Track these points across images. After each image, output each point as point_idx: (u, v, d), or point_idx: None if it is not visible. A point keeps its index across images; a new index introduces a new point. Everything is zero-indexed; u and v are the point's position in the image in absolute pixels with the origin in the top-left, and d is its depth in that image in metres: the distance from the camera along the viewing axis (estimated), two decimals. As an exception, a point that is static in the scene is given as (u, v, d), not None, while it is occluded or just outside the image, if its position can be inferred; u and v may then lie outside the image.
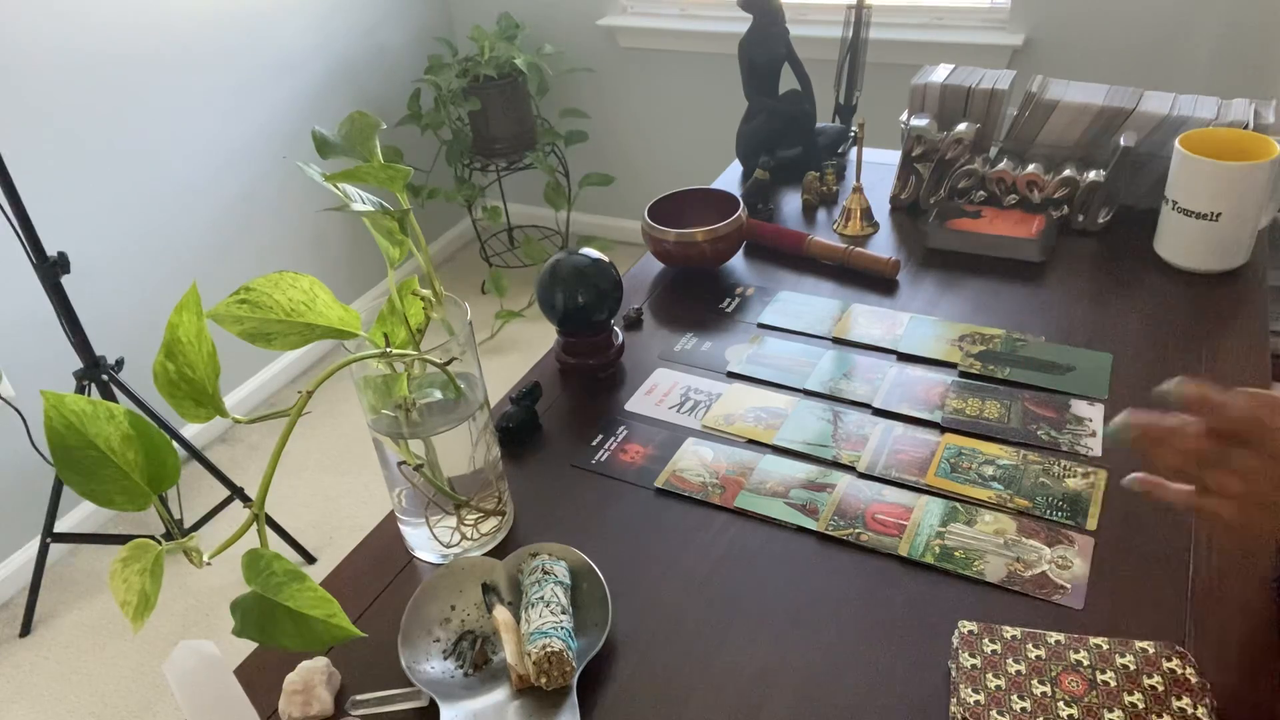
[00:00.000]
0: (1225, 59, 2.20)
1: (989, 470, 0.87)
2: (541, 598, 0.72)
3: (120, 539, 2.00)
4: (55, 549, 2.19)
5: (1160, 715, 0.63)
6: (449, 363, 0.73)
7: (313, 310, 0.68)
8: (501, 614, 0.73)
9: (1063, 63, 2.35)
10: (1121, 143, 1.18)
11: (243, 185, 2.50)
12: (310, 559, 2.14)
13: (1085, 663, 0.67)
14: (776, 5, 1.37)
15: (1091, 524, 0.80)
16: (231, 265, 2.53)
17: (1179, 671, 0.66)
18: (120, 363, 1.95)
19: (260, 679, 0.74)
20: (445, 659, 0.73)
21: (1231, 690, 0.66)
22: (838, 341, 1.07)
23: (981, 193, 1.27)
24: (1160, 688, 0.65)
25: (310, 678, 0.71)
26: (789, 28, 1.40)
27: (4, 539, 2.11)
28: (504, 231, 3.32)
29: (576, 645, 0.71)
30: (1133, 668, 0.66)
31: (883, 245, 1.25)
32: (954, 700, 0.66)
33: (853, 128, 1.51)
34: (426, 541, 0.82)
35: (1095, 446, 0.88)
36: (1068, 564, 0.77)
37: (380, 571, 0.83)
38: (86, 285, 2.16)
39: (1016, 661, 0.68)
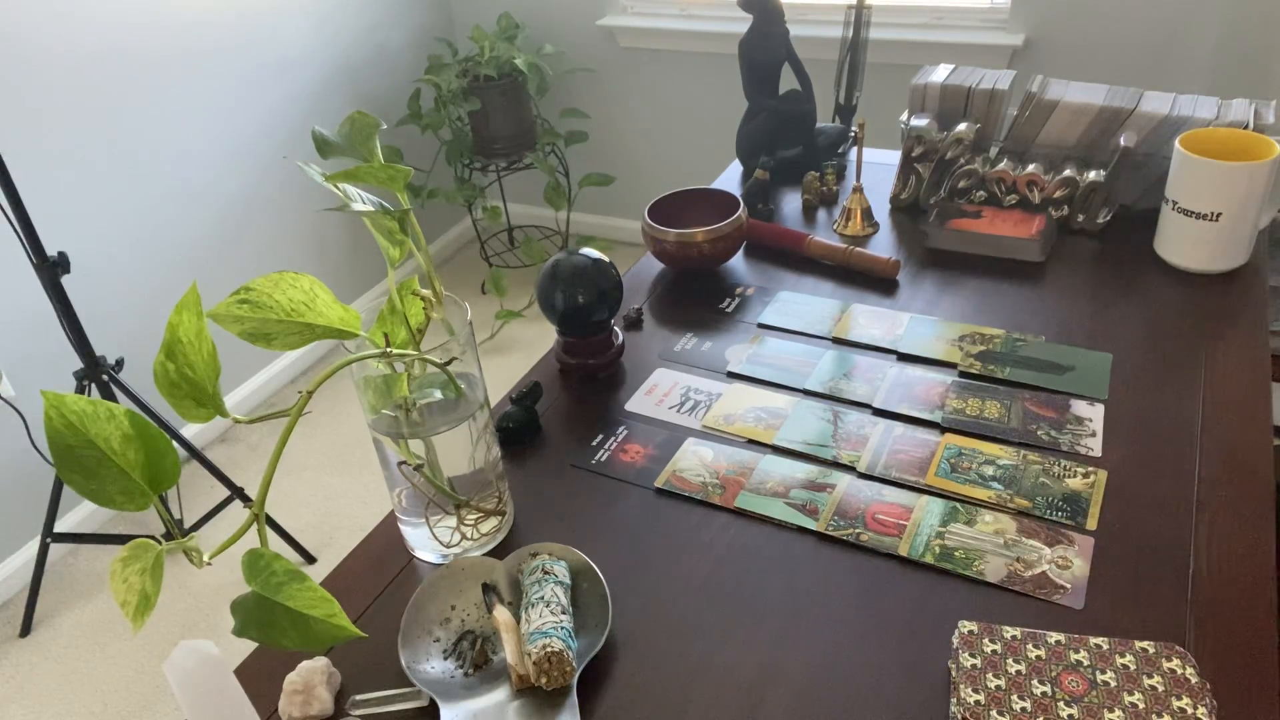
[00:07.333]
0: (1225, 59, 2.20)
1: (989, 470, 0.87)
2: (541, 598, 0.72)
3: (120, 539, 2.00)
4: (55, 549, 2.19)
5: (1160, 715, 0.63)
6: (449, 363, 0.73)
7: (313, 310, 0.68)
8: (501, 614, 0.73)
9: (1063, 63, 2.35)
10: (1121, 143, 1.18)
11: (243, 185, 2.50)
12: (310, 559, 2.14)
13: (1085, 663, 0.67)
14: (776, 5, 1.37)
15: (1091, 524, 0.80)
16: (231, 265, 2.53)
17: (1179, 671, 0.66)
18: (120, 363, 1.95)
19: (260, 679, 0.74)
20: (445, 659, 0.73)
21: (1231, 690, 0.66)
22: (838, 341, 1.07)
23: (981, 193, 1.27)
24: (1160, 688, 0.65)
25: (310, 678, 0.71)
26: (789, 28, 1.40)
27: (4, 539, 2.11)
28: (504, 231, 3.32)
29: (576, 645, 0.71)
30: (1133, 668, 0.66)
31: (883, 245, 1.25)
32: (954, 700, 0.66)
33: (853, 128, 1.51)
34: (426, 541, 0.82)
35: (1095, 446, 0.88)
36: (1068, 564, 0.77)
37: (380, 571, 0.83)
38: (86, 285, 2.16)
39: (1016, 661, 0.68)
